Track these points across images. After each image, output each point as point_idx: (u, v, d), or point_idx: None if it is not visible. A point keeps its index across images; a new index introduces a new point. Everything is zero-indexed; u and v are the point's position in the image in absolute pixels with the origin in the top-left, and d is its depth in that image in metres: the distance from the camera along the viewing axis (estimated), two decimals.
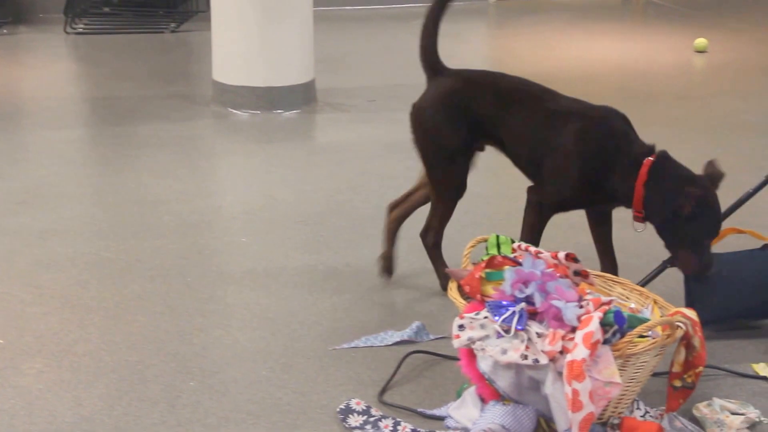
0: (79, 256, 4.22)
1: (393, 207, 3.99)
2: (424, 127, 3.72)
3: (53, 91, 7.26)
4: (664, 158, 3.36)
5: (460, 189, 3.76)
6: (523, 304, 2.85)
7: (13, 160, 5.59)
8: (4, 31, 8.72)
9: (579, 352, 2.68)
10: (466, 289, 3.01)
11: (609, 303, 2.87)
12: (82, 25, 9.06)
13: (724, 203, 3.53)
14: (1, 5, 8.99)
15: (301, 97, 6.68)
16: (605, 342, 2.75)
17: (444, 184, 3.75)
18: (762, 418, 2.98)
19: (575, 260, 3.10)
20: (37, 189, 5.07)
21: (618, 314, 2.79)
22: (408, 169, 5.40)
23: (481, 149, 3.78)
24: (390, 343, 3.45)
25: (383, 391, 3.14)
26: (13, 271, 4.08)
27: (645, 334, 2.81)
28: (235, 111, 6.58)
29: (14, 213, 4.72)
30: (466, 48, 8.90)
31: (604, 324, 2.76)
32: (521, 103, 3.61)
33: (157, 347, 3.43)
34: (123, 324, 3.61)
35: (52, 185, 5.15)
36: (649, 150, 3.40)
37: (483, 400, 2.91)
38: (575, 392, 2.65)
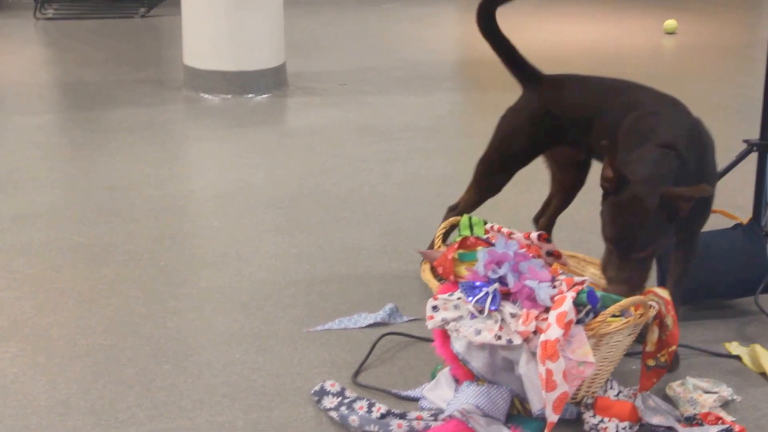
0: (52, 240, 4.21)
1: (537, 219, 3.91)
2: (502, 132, 3.64)
3: (23, 76, 7.22)
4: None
5: (497, 191, 3.72)
6: (496, 285, 2.86)
7: None
8: None
9: (552, 331, 2.70)
10: (439, 270, 3.02)
11: (582, 283, 2.89)
12: (51, 11, 9.00)
13: None
14: None
15: (272, 81, 6.67)
16: (578, 322, 2.77)
17: (486, 182, 3.68)
18: (734, 396, 3.01)
19: (548, 240, 3.12)
20: (8, 174, 5.05)
21: (591, 294, 2.81)
22: (378, 152, 5.43)
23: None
24: (363, 325, 3.46)
25: (357, 372, 3.15)
26: None
27: (618, 313, 2.83)
28: (206, 95, 6.57)
29: None
30: (435, 32, 8.92)
31: (577, 304, 2.78)
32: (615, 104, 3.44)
33: (132, 331, 3.43)
34: (97, 308, 3.60)
35: (24, 170, 5.12)
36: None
37: (457, 381, 2.93)
38: (549, 372, 2.67)
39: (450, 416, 2.81)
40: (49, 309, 3.59)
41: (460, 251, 3.04)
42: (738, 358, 3.27)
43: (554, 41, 8.43)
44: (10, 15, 9.00)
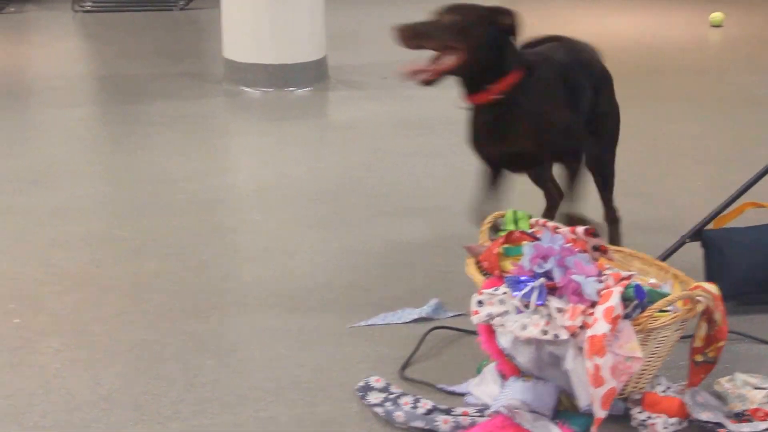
0: (92, 235, 4.21)
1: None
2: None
3: (62, 69, 7.24)
4: None
5: None
6: (542, 279, 2.82)
7: (24, 139, 5.57)
8: (12, 9, 8.68)
9: (600, 326, 2.66)
10: (485, 264, 2.99)
11: (629, 278, 2.85)
12: (89, 3, 9.02)
13: (742, 178, 3.51)
14: None
15: (313, 74, 6.65)
16: (626, 317, 2.73)
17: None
18: None
19: (594, 235, 3.08)
20: (48, 168, 5.06)
21: (638, 288, 2.77)
22: (420, 146, 5.40)
23: None
24: (408, 320, 3.43)
25: (403, 368, 3.12)
26: (26, 250, 4.06)
27: (665, 308, 2.79)
28: (246, 89, 6.55)
29: (26, 192, 4.71)
30: None
31: (624, 298, 2.74)
32: None
33: (174, 326, 3.42)
34: (139, 302, 3.60)
35: (63, 164, 5.13)
36: None
37: (503, 377, 2.89)
38: (596, 367, 2.63)
39: (496, 412, 2.77)
40: (91, 304, 3.59)
41: (506, 246, 3.00)
42: None
43: (597, 34, 8.33)
44: (48, 7, 9.03)
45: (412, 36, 3.34)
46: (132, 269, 3.88)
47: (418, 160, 5.18)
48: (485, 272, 3.01)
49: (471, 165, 4.92)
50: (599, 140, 3.69)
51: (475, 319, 2.86)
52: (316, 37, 6.67)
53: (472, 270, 3.07)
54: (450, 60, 3.34)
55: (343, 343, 3.30)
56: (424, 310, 3.47)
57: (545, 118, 3.43)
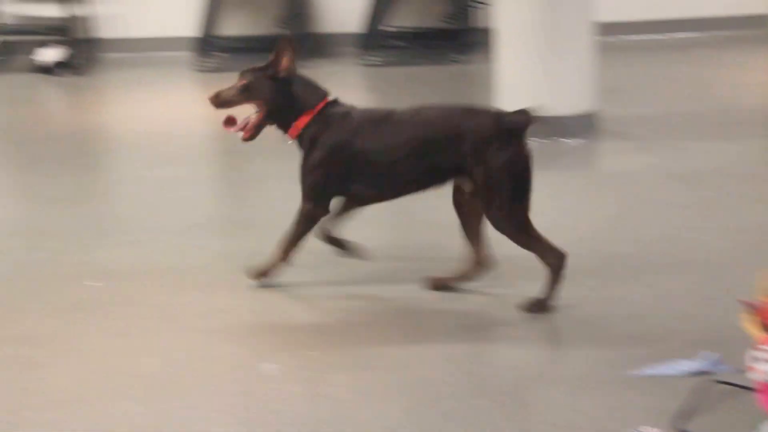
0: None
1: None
2: None
3: None
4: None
5: None
6: None
7: None
8: (307, 64, 9.15)
9: None
10: (763, 320, 2.99)
11: None
12: (375, 58, 9.49)
13: None
14: (303, 39, 9.46)
15: (584, 125, 6.72)
16: None
17: None
18: None
19: None
20: None
21: None
22: (693, 198, 5.38)
23: None
24: (685, 372, 3.46)
25: (679, 419, 3.15)
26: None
27: None
28: None
29: None
30: (748, 77, 8.71)
31: None
32: None
33: (455, 366, 3.59)
34: (419, 342, 3.79)
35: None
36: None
37: None
38: None
39: None
40: (375, 340, 3.81)
41: None
42: None
43: (730, 96, 8.01)
44: (337, 62, 9.54)
45: (219, 102, 4.11)
46: (412, 307, 4.08)
47: (689, 212, 5.17)
48: (765, 327, 3.01)
49: (746, 219, 4.87)
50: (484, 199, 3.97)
51: (753, 376, 2.87)
52: (588, 88, 6.75)
53: (749, 325, 3.07)
54: (256, 115, 4.10)
55: (616, 390, 3.37)
56: (700, 363, 3.48)
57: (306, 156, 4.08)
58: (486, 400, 3.33)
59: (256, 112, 4.12)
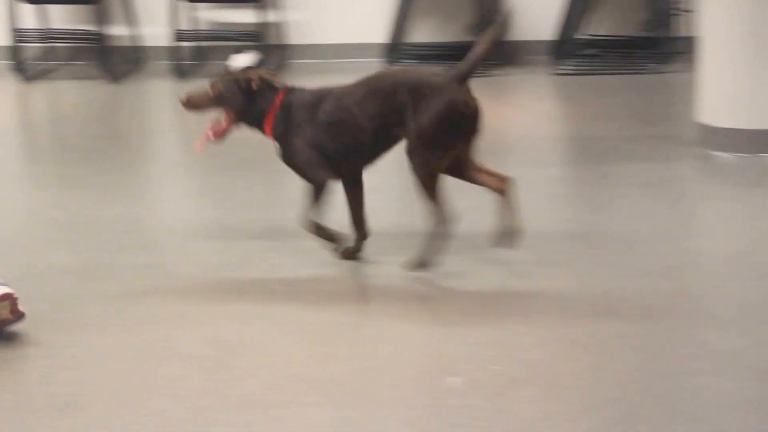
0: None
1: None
2: None
3: (538, 129, 7.49)
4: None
5: None
6: None
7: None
8: (497, 72, 9.07)
9: None
10: None
11: None
12: (568, 66, 9.25)
13: None
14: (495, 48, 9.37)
15: None
16: None
17: None
18: None
19: None
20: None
21: None
22: None
23: None
24: None
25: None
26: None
27: None
28: (719, 153, 6.43)
29: None
30: None
31: None
32: None
33: (645, 388, 3.44)
34: (609, 360, 3.65)
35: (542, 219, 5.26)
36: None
37: None
38: None
39: None
40: (562, 356, 3.69)
41: None
42: None
43: None
44: (529, 71, 9.37)
45: (191, 105, 4.43)
46: (594, 328, 3.94)
47: None
48: None
49: None
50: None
51: None
52: None
53: None
54: (225, 121, 4.44)
55: None
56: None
57: (286, 146, 4.42)
58: (680, 427, 3.17)
59: (225, 117, 4.45)
